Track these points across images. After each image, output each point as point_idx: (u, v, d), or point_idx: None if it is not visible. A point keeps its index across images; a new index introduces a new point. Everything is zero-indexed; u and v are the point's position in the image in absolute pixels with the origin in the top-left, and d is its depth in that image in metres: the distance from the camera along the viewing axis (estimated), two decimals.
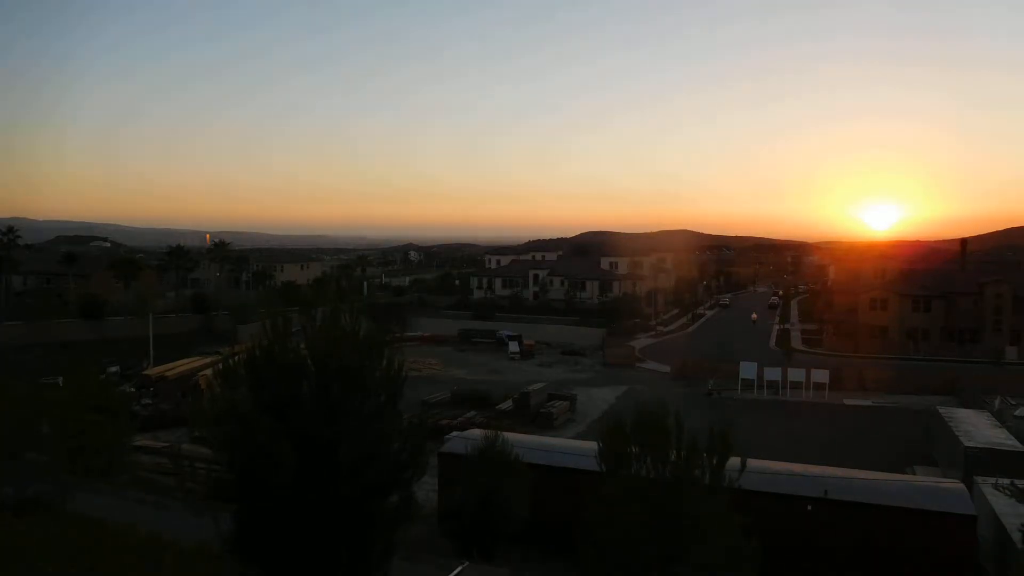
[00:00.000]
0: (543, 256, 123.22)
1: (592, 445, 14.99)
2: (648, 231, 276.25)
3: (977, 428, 26.89)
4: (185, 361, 44.61)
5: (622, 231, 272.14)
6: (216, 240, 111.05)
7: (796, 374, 44.72)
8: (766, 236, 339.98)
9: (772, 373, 44.75)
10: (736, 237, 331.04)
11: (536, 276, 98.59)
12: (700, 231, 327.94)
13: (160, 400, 36.83)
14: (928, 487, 17.48)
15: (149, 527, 15.42)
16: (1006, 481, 17.47)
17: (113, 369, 43.79)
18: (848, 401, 42.41)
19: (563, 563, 16.16)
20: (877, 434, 34.20)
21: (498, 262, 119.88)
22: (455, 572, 14.14)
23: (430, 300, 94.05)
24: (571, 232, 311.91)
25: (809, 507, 16.49)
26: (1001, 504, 17.63)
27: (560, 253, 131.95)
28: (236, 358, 9.79)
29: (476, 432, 20.22)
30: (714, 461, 12.15)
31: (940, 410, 30.73)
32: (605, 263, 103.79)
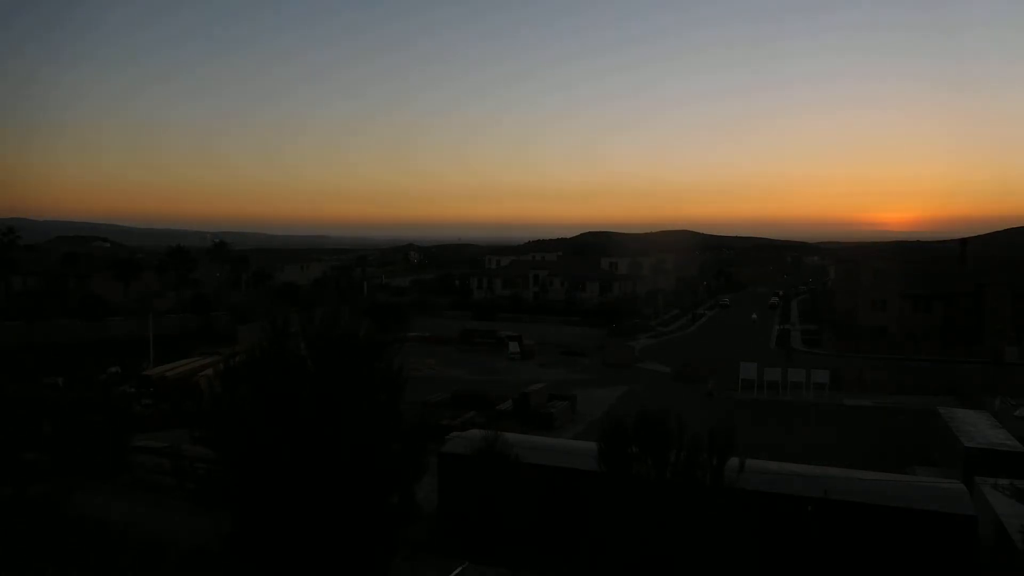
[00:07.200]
0: (543, 256, 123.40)
1: (592, 445, 14.98)
2: (648, 231, 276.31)
3: (977, 428, 26.84)
4: (185, 361, 44.50)
5: (622, 231, 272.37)
6: (216, 240, 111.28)
7: (796, 374, 44.66)
8: (766, 236, 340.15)
9: (772, 373, 44.70)
10: (736, 237, 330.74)
11: (536, 276, 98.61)
12: (700, 231, 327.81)
13: (160, 400, 36.75)
14: (928, 487, 17.44)
15: (149, 527, 15.43)
16: (1006, 481, 17.45)
17: (113, 369, 43.72)
18: (848, 401, 42.35)
19: (563, 563, 16.16)
20: (877, 434, 34.18)
21: (498, 262, 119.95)
22: (455, 572, 14.15)
23: (430, 300, 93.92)
24: (571, 232, 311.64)
25: (809, 507, 16.48)
26: (1001, 505, 17.62)
27: (560, 253, 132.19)
28: (237, 358, 9.80)
29: (476, 432, 20.19)
30: (714, 462, 12.15)
31: (940, 410, 30.67)
32: (605, 263, 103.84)
